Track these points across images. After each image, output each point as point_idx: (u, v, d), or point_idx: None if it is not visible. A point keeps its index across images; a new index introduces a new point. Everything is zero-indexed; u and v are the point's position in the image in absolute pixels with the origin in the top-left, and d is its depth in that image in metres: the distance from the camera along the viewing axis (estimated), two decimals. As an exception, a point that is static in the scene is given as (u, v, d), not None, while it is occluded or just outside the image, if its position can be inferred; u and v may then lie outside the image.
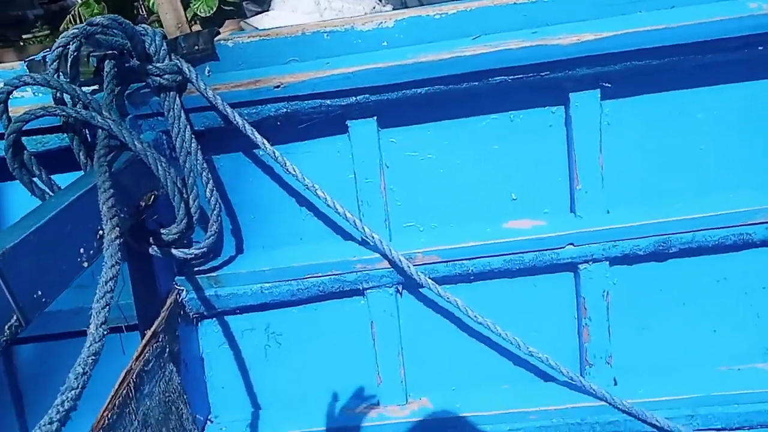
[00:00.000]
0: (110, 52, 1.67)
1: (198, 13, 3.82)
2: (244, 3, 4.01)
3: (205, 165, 1.85)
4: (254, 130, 1.82)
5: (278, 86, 1.81)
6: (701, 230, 1.96)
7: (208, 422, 2.33)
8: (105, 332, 1.15)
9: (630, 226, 1.96)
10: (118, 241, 1.28)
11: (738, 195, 1.97)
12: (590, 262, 2.03)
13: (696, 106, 1.94)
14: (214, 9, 3.89)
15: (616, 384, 2.16)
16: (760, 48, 1.79)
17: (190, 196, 1.81)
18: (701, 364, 2.15)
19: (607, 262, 2.03)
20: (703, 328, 2.13)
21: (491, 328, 2.03)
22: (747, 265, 2.04)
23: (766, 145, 1.96)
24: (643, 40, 1.74)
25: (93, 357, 1.10)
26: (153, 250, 1.84)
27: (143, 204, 1.71)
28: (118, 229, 1.31)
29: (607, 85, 1.88)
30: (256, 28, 3.22)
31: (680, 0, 1.73)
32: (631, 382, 2.15)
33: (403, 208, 2.08)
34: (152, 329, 1.90)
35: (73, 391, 1.05)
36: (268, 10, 2.92)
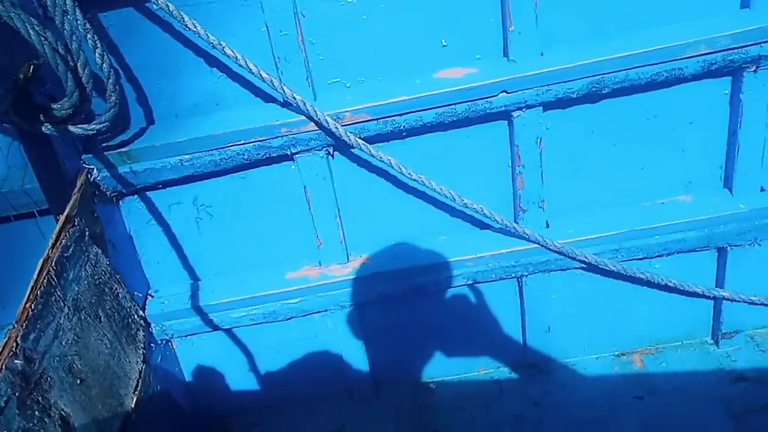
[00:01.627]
0: None
1: None
2: None
3: (88, 26, 1.59)
4: (140, -21, 1.56)
5: None
6: (634, 68, 1.90)
7: (149, 297, 2.30)
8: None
9: (564, 69, 1.88)
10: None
11: (670, 29, 1.90)
12: (524, 109, 1.98)
13: None
14: None
15: (548, 226, 2.23)
16: None
17: (78, 63, 1.58)
18: (627, 201, 2.23)
19: (541, 108, 1.98)
20: (632, 167, 2.17)
21: (426, 183, 2.00)
22: (677, 101, 2.04)
23: None
24: None
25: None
26: (46, 128, 1.64)
27: (22, 76, 1.48)
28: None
29: None
30: None
31: None
32: (562, 223, 2.22)
33: (325, 62, 1.92)
34: (65, 214, 1.77)
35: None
36: None
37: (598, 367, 2.49)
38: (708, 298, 2.34)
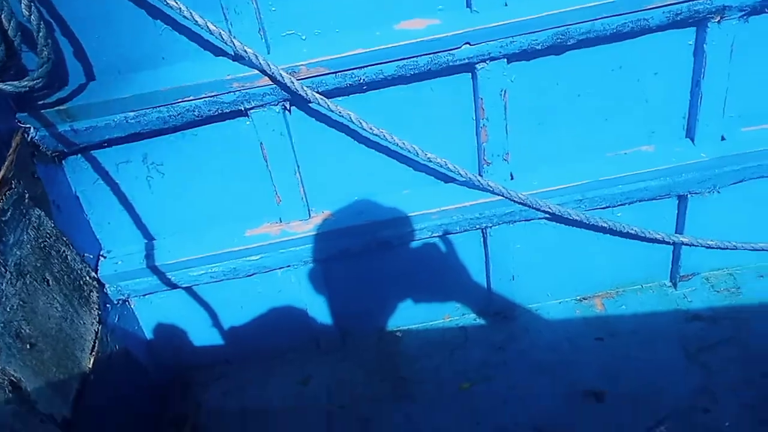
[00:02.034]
0: None
1: None
2: None
3: (10, -25, 1.44)
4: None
5: None
6: (599, 19, 1.83)
7: (101, 258, 2.22)
8: None
9: (528, 20, 1.80)
10: None
11: None
12: (488, 61, 1.90)
13: None
14: None
15: (512, 179, 2.20)
16: None
17: (2, 15, 1.43)
18: (591, 152, 2.21)
19: (505, 60, 1.91)
20: (596, 118, 2.14)
21: (388, 138, 1.94)
22: (642, 52, 1.98)
23: None
24: None
25: None
26: (-30, 87, 1.50)
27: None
28: None
29: None
30: None
31: None
32: (527, 175, 2.20)
33: (278, 14, 1.79)
34: (-1, 176, 1.66)
35: None
36: None
37: (560, 312, 2.55)
38: (668, 243, 2.38)
